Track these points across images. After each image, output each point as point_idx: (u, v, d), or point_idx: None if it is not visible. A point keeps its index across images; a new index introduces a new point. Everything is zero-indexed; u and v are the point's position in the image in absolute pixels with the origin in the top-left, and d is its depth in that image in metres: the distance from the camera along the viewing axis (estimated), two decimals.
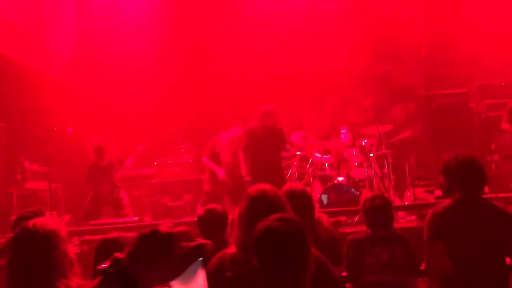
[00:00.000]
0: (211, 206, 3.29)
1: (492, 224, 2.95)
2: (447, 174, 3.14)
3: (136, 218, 6.07)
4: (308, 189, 6.76)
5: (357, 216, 5.92)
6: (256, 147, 6.34)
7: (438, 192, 5.99)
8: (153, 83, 9.22)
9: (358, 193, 6.46)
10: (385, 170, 6.74)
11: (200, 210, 3.30)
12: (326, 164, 7.13)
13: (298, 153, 7.28)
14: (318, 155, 7.21)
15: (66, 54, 9.09)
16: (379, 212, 3.35)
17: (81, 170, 7.60)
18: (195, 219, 6.71)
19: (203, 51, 9.61)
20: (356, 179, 6.83)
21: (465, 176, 3.04)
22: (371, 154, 6.78)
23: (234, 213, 3.38)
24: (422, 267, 3.27)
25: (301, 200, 3.04)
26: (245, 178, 6.59)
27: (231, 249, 2.44)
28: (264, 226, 1.86)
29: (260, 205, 2.38)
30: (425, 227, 3.10)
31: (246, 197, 2.45)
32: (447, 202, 3.13)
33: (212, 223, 3.19)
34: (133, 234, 2.97)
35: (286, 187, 3.19)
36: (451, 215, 3.03)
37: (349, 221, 5.93)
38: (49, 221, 2.30)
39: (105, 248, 2.75)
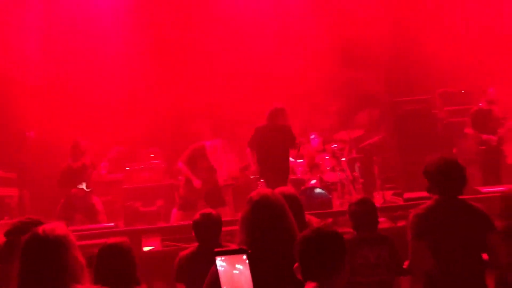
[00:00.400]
0: (206, 210, 3.36)
1: (470, 224, 3.16)
2: (429, 176, 3.34)
3: (113, 224, 6.01)
4: None
5: (331, 219, 6.09)
6: (264, 144, 6.39)
7: (408, 195, 6.27)
8: (122, 87, 9.14)
9: (330, 196, 6.65)
10: (355, 174, 6.97)
11: (195, 215, 3.36)
12: (299, 168, 7.30)
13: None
14: (292, 159, 7.36)
15: (34, 58, 8.88)
16: (366, 214, 3.50)
17: (48, 176, 7.47)
18: (168, 224, 6.82)
19: (174, 56, 9.61)
20: (328, 182, 7.04)
21: (445, 178, 3.24)
22: (343, 159, 6.99)
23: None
24: (405, 266, 3.45)
25: (292, 203, 3.15)
26: (223, 183, 6.69)
27: None
28: (306, 233, 2.04)
29: (262, 209, 2.48)
30: (408, 228, 3.28)
31: (248, 201, 2.55)
32: (428, 203, 3.33)
33: (207, 228, 3.25)
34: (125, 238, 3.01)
35: (277, 190, 3.29)
36: (432, 215, 3.22)
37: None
38: (58, 226, 2.30)
39: (108, 253, 2.78)
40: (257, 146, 6.48)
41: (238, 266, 1.77)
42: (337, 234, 2.03)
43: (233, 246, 3.22)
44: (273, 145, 6.35)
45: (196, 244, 3.36)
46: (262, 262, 2.38)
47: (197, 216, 3.33)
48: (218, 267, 1.82)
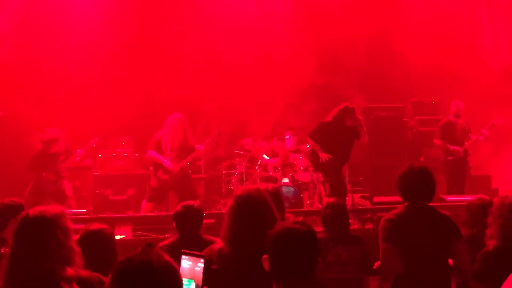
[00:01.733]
0: (188, 202, 3.40)
1: (437, 229, 3.31)
2: (400, 182, 3.48)
3: (85, 210, 5.97)
4: None
5: (301, 218, 6.23)
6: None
7: (377, 199, 6.47)
8: (96, 75, 9.02)
9: (302, 195, 6.80)
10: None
11: (177, 206, 3.40)
12: (270, 166, 7.42)
13: None
14: (266, 157, 7.48)
15: (9, 39, 8.67)
16: (336, 218, 3.63)
17: (15, 157, 7.34)
18: (138, 214, 6.80)
19: (149, 45, 9.55)
20: (300, 182, 7.18)
21: (416, 185, 3.39)
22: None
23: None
24: (374, 267, 3.60)
25: (274, 200, 3.24)
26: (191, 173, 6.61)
27: (218, 244, 2.59)
28: (281, 228, 2.01)
29: (245, 205, 2.55)
30: (379, 231, 3.41)
31: (233, 196, 2.63)
32: (399, 209, 3.48)
33: (189, 219, 3.30)
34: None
35: (261, 187, 3.37)
36: (403, 221, 3.35)
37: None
38: (50, 209, 2.34)
39: (89, 238, 2.80)
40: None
41: (199, 264, 2.06)
42: (311, 232, 2.00)
43: (212, 238, 3.30)
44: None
45: (177, 235, 3.41)
46: (245, 257, 2.46)
47: (179, 207, 3.37)
48: (182, 262, 2.07)
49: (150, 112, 8.96)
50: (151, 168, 7.14)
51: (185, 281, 2.00)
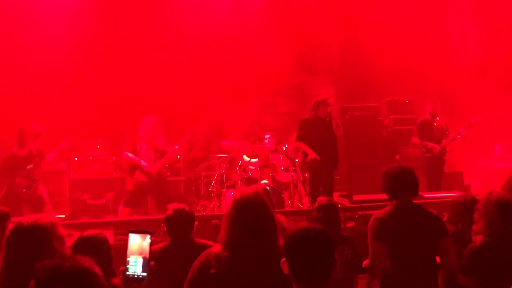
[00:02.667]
0: (179, 206, 3.37)
1: (425, 227, 3.39)
2: (387, 182, 3.55)
3: (64, 216, 5.83)
4: (234, 190, 7.02)
5: (284, 218, 6.25)
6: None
7: (356, 197, 6.57)
8: (71, 77, 8.86)
9: (283, 195, 6.83)
10: (306, 175, 7.18)
11: (168, 210, 3.36)
12: (250, 167, 7.44)
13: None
14: (247, 158, 7.49)
15: None
16: (329, 218, 3.67)
17: None
18: (118, 218, 6.69)
19: (123, 47, 9.43)
20: (281, 182, 7.22)
21: (402, 184, 3.47)
22: (296, 160, 7.19)
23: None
24: (363, 265, 3.66)
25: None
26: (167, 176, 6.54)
27: (216, 248, 2.58)
28: (300, 231, 2.04)
29: (243, 208, 2.55)
30: (369, 230, 3.47)
31: (232, 200, 2.62)
32: (387, 208, 3.55)
33: (180, 223, 3.27)
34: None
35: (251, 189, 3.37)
36: (391, 219, 3.42)
37: None
38: (43, 217, 2.28)
39: (84, 245, 2.75)
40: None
41: (146, 239, 2.13)
42: (325, 232, 2.06)
43: (205, 242, 3.29)
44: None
45: (168, 239, 3.37)
46: (243, 261, 2.46)
47: (170, 211, 3.34)
48: (130, 240, 2.13)
49: (125, 114, 8.84)
50: (126, 171, 7.01)
51: (133, 258, 2.08)
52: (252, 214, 2.50)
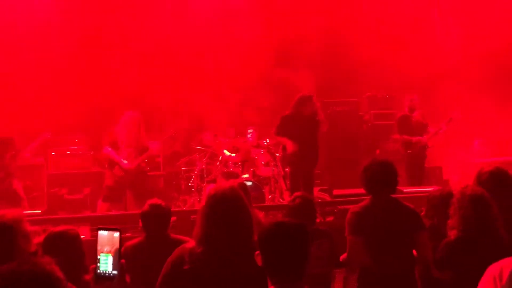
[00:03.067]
0: (156, 201, 3.33)
1: (402, 221, 3.41)
2: (366, 176, 3.55)
3: (40, 211, 5.73)
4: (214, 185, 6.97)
5: (263, 213, 6.24)
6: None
7: (336, 191, 6.59)
8: (49, 71, 8.69)
9: (263, 190, 6.82)
10: (287, 170, 7.18)
11: (145, 205, 3.31)
12: (230, 162, 7.41)
13: None
14: (227, 153, 7.45)
15: None
16: (304, 211, 3.66)
17: None
18: (96, 213, 6.60)
19: (102, 39, 9.28)
20: (262, 177, 7.20)
21: (381, 179, 3.47)
22: (277, 154, 7.18)
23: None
24: (341, 259, 3.67)
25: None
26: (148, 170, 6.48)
27: (190, 243, 2.55)
28: (272, 223, 2.03)
29: (218, 204, 2.52)
30: (346, 224, 3.47)
31: (207, 195, 2.59)
32: (364, 202, 3.56)
33: (156, 218, 3.23)
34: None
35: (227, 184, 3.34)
36: (368, 213, 3.44)
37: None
38: (7, 214, 2.22)
39: (55, 241, 2.70)
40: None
41: (115, 236, 2.10)
42: (301, 225, 2.04)
43: (181, 237, 3.25)
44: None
45: (143, 234, 3.33)
46: (217, 256, 2.43)
47: (146, 206, 3.29)
48: (99, 236, 2.10)
49: (103, 108, 8.71)
50: (106, 165, 6.94)
51: (103, 256, 2.07)
52: (227, 209, 2.47)
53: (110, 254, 2.07)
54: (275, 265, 1.99)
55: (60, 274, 1.56)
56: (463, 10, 9.46)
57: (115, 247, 2.07)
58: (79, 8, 9.10)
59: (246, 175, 7.17)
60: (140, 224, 3.31)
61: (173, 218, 5.14)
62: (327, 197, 7.11)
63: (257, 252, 2.05)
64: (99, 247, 2.06)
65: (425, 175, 7.38)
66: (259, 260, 2.04)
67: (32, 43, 8.61)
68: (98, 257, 2.06)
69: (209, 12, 9.86)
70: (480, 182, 3.43)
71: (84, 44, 9.05)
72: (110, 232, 2.08)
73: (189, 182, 7.85)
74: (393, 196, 3.53)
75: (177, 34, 9.45)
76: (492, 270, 1.76)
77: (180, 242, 2.85)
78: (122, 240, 2.11)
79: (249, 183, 6.93)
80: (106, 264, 2.07)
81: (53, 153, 7.73)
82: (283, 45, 9.76)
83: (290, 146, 6.39)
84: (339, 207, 5.82)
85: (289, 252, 1.97)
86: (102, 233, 2.08)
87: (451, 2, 9.80)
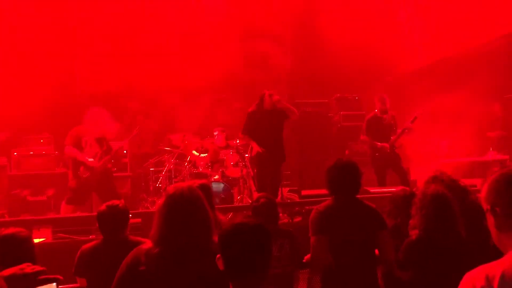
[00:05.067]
0: (113, 202, 3.22)
1: (364, 221, 3.41)
2: (329, 176, 3.54)
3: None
4: None
5: (231, 213, 6.19)
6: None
7: (305, 192, 6.57)
8: (7, 65, 8.45)
9: (232, 191, 6.76)
10: (255, 170, 7.15)
11: (101, 206, 3.21)
12: (200, 162, 7.33)
13: None
14: (196, 153, 7.36)
15: None
16: (268, 209, 3.63)
17: None
18: (59, 215, 6.42)
19: (68, 34, 9.07)
20: (231, 177, 7.14)
21: (344, 179, 3.47)
22: (246, 155, 7.13)
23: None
24: (304, 260, 3.64)
25: (204, 196, 3.16)
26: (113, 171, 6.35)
27: (147, 244, 2.48)
28: (234, 226, 1.96)
29: (176, 204, 2.45)
30: (310, 224, 3.45)
31: (164, 194, 2.52)
32: (328, 201, 3.54)
33: (114, 219, 3.13)
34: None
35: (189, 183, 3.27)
36: (332, 213, 3.42)
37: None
38: None
39: (3, 244, 2.58)
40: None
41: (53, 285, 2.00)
42: (261, 225, 1.99)
43: (140, 239, 3.16)
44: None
45: (101, 237, 3.22)
46: (174, 257, 2.37)
47: (103, 207, 3.19)
48: None
49: (69, 108, 8.52)
50: (69, 166, 6.72)
51: None
52: (184, 210, 2.41)
53: None
54: (236, 267, 1.93)
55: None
56: (431, 10, 9.59)
57: None
58: (44, 1, 8.88)
59: (216, 176, 7.10)
60: (97, 225, 3.20)
61: (138, 220, 5.05)
62: (296, 198, 7.09)
63: (218, 255, 1.99)
64: None
65: (391, 175, 7.38)
66: (220, 264, 1.98)
67: None
68: None
69: (181, 12, 9.77)
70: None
71: (50, 40, 8.82)
72: (47, 286, 1.96)
73: (157, 183, 7.73)
74: (357, 196, 3.53)
75: (147, 33, 9.33)
76: (474, 280, 1.60)
77: (139, 244, 2.77)
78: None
79: (221, 185, 6.88)
80: None
81: (15, 154, 7.49)
82: (253, 45, 9.76)
83: (256, 147, 6.37)
84: (306, 207, 5.80)
85: (250, 253, 1.92)
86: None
87: (419, 2, 9.94)
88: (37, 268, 2.00)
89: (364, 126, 7.40)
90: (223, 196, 6.64)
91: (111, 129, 6.47)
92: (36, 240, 4.97)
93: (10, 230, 2.67)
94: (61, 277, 2.00)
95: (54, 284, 1.96)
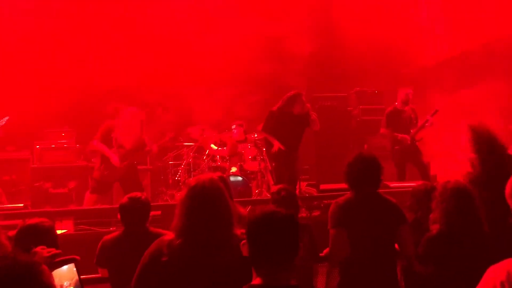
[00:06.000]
0: (136, 194, 3.27)
1: (384, 215, 3.39)
2: (349, 170, 3.52)
3: (22, 205, 5.65)
4: None
5: (249, 207, 6.21)
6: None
7: (323, 186, 6.56)
8: (31, 62, 8.58)
9: (250, 185, 6.78)
10: (274, 164, 7.15)
11: (123, 198, 3.25)
12: (218, 156, 7.36)
13: None
14: (214, 147, 7.40)
15: None
16: (286, 204, 3.62)
17: None
18: (81, 207, 6.53)
19: (89, 30, 9.18)
20: (249, 171, 7.16)
21: (364, 173, 3.45)
22: (264, 149, 7.14)
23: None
24: (322, 254, 3.64)
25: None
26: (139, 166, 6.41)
27: (169, 235, 2.51)
28: (264, 214, 1.95)
29: (198, 195, 2.48)
30: (329, 217, 3.45)
31: (186, 186, 2.55)
32: (347, 195, 3.53)
33: (135, 212, 3.17)
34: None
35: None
36: (351, 206, 3.41)
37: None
38: None
39: (28, 233, 2.64)
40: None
41: (71, 267, 2.06)
42: (291, 216, 1.98)
43: (160, 231, 3.20)
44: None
45: (122, 228, 3.27)
46: (196, 248, 2.40)
47: (125, 199, 3.23)
48: (55, 272, 1.98)
49: (91, 102, 8.63)
50: (94, 160, 6.83)
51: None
52: (206, 201, 2.44)
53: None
54: (264, 254, 1.91)
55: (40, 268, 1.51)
56: (452, 4, 9.43)
57: (75, 279, 1.99)
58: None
59: (234, 169, 7.12)
60: (119, 217, 3.25)
61: (157, 212, 5.11)
62: (314, 192, 7.08)
63: (243, 241, 1.98)
64: (58, 284, 1.95)
65: (412, 170, 7.30)
66: (245, 250, 1.97)
67: (20, 35, 8.50)
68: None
69: (200, 6, 9.80)
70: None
71: (72, 36, 8.95)
72: (67, 267, 2.00)
73: (176, 177, 7.80)
74: (377, 191, 3.51)
75: (168, 27, 9.38)
76: (496, 274, 1.60)
77: (159, 236, 2.81)
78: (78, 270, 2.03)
79: (239, 179, 6.90)
80: None
81: (37, 147, 7.63)
82: (272, 39, 9.73)
83: (276, 145, 6.34)
84: (325, 201, 5.79)
85: (279, 242, 1.90)
86: (60, 270, 1.98)
87: None
88: (54, 251, 2.03)
89: (384, 120, 7.34)
90: (241, 189, 6.67)
91: (140, 135, 6.48)
92: (58, 232, 5.08)
93: (34, 220, 2.73)
94: (78, 258, 2.02)
95: (73, 264, 1.99)
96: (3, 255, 1.78)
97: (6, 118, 6.52)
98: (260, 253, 1.92)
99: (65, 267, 1.96)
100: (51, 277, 1.52)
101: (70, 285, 1.96)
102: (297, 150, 6.60)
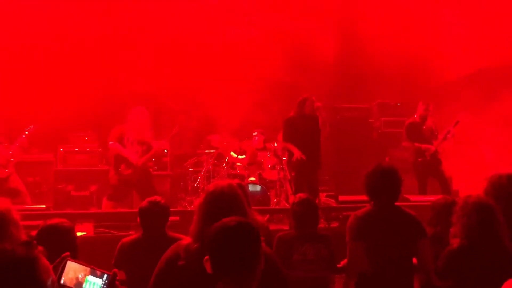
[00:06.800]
0: (155, 198, 3.31)
1: (403, 229, 3.35)
2: (368, 182, 3.49)
3: (44, 206, 5.75)
4: None
5: (267, 216, 6.21)
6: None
7: (342, 197, 6.52)
8: (55, 67, 8.76)
9: (269, 194, 6.78)
10: (293, 174, 7.13)
11: (143, 202, 3.30)
12: (237, 164, 7.38)
13: None
14: (234, 155, 7.43)
15: None
16: (308, 212, 3.62)
17: None
18: (101, 210, 6.61)
19: (112, 36, 9.33)
20: (267, 180, 7.16)
21: (383, 185, 3.41)
22: (284, 158, 7.14)
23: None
24: (340, 265, 3.61)
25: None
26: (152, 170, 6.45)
27: (186, 240, 2.53)
28: (220, 224, 1.90)
29: (216, 201, 2.49)
30: (347, 229, 3.42)
31: (204, 192, 2.57)
32: (367, 207, 3.50)
33: (155, 215, 3.21)
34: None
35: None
36: (370, 219, 3.38)
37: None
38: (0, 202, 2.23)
39: (48, 233, 2.69)
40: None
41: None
42: (244, 223, 1.88)
43: (178, 235, 3.23)
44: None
45: (141, 231, 3.31)
46: None
47: (144, 202, 3.27)
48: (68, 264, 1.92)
49: (113, 106, 8.76)
50: (111, 161, 6.88)
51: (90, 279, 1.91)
52: (224, 206, 2.45)
53: (90, 276, 1.92)
54: (222, 266, 1.85)
55: (45, 261, 1.54)
56: (477, 15, 9.33)
57: (88, 269, 1.92)
58: (89, 3, 9.16)
59: (253, 178, 7.13)
60: (138, 220, 3.29)
61: (176, 218, 5.14)
62: (333, 203, 7.04)
63: (206, 257, 1.92)
64: (74, 277, 1.89)
65: (433, 184, 7.20)
66: (208, 267, 1.90)
67: (40, 41, 8.69)
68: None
69: (221, 13, 9.89)
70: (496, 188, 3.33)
71: (98, 41, 9.11)
72: (74, 263, 1.92)
73: (195, 183, 7.84)
74: (396, 203, 3.47)
75: (190, 33, 9.49)
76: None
77: (177, 240, 2.83)
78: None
79: (258, 187, 6.91)
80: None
81: (61, 150, 7.78)
82: (295, 49, 9.76)
83: (297, 154, 6.35)
84: (344, 213, 5.75)
85: (235, 251, 1.84)
86: (72, 264, 1.91)
87: (463, 9, 9.69)
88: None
89: (405, 132, 7.28)
90: (259, 198, 6.67)
91: (149, 130, 6.59)
92: (78, 234, 5.15)
93: (55, 221, 2.78)
94: (67, 253, 1.99)
95: (72, 260, 1.93)
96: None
97: (31, 126, 6.66)
98: (218, 266, 1.86)
99: (73, 264, 1.92)
100: (46, 272, 1.53)
101: (85, 275, 1.95)
102: (318, 159, 6.56)
